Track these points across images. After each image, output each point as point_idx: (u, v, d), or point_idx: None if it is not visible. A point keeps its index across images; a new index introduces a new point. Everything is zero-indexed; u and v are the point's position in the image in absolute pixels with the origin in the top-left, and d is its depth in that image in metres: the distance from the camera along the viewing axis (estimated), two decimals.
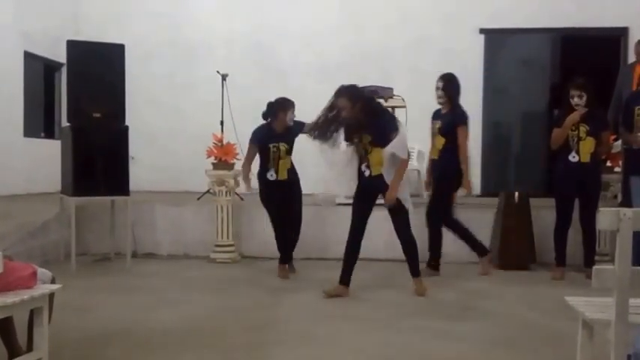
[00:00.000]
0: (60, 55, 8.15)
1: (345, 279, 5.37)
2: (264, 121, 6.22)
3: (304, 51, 9.72)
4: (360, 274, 5.66)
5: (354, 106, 5.14)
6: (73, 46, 6.53)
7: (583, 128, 6.11)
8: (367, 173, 5.29)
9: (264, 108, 6.14)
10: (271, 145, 6.11)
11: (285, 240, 6.26)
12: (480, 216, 7.28)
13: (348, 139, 5.33)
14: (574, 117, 6.06)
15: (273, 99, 6.18)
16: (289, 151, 6.20)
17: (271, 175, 6.12)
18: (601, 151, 6.25)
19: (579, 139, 6.11)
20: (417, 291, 5.45)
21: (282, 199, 6.16)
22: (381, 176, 5.22)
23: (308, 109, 5.62)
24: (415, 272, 5.49)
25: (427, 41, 9.52)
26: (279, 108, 6.11)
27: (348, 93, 5.20)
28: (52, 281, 3.35)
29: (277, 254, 6.33)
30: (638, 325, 2.65)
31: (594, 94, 6.14)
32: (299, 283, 5.64)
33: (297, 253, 6.43)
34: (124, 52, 6.62)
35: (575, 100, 6.06)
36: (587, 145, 6.12)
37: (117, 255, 7.01)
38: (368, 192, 5.36)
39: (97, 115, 6.41)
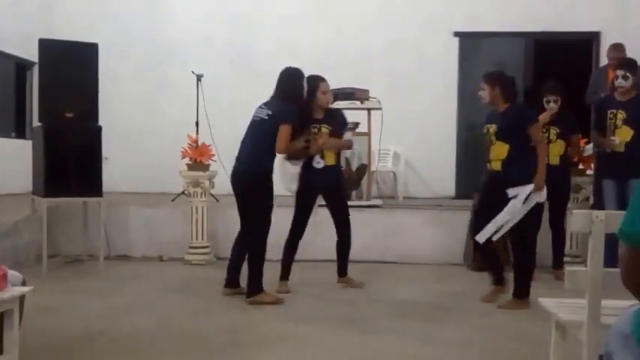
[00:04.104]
0: (32, 54, 8.01)
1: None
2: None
3: (280, 51, 9.69)
4: (336, 275, 5.68)
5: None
6: (45, 44, 6.44)
7: (553, 130, 6.12)
8: (321, 165, 5.42)
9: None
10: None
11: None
12: (454, 217, 7.33)
13: (303, 129, 5.31)
14: (545, 117, 6.06)
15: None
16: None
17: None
18: (571, 153, 6.29)
19: (549, 141, 6.09)
20: (352, 283, 5.73)
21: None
22: (334, 166, 5.44)
23: None
24: (346, 270, 5.72)
25: (403, 44, 9.56)
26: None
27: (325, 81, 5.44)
28: (23, 284, 3.29)
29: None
30: (610, 326, 2.68)
31: (565, 97, 6.20)
32: (273, 285, 5.61)
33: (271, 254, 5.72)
34: (98, 52, 6.53)
35: (552, 105, 6.09)
36: (557, 148, 6.13)
37: (89, 257, 6.92)
38: (316, 186, 5.46)
39: (70, 114, 6.32)
